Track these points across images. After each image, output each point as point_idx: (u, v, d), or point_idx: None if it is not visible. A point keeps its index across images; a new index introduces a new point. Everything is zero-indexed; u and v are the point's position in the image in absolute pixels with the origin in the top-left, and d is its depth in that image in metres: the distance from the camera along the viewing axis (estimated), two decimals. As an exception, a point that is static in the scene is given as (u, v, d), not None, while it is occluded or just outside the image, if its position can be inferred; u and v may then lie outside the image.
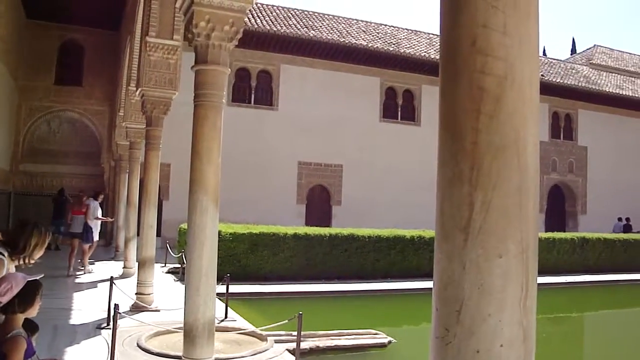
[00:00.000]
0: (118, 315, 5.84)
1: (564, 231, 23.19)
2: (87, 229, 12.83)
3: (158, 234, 11.43)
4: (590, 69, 32.46)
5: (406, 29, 27.38)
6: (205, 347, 5.23)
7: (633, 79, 33.38)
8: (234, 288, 11.21)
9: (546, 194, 26.39)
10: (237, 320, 8.70)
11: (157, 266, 11.57)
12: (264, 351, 6.75)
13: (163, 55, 9.31)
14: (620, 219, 26.42)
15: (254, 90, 21.50)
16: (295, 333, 6.51)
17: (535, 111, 1.66)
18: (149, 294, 9.29)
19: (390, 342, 8.75)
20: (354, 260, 14.27)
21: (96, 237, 13.28)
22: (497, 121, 1.58)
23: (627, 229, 25.63)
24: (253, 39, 20.51)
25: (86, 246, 12.89)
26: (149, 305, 9.04)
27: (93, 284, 11.45)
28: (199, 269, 5.27)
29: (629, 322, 13.27)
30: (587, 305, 14.91)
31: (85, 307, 9.06)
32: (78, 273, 12.58)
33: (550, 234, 17.82)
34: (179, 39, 9.28)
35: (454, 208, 1.60)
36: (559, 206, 27.51)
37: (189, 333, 5.21)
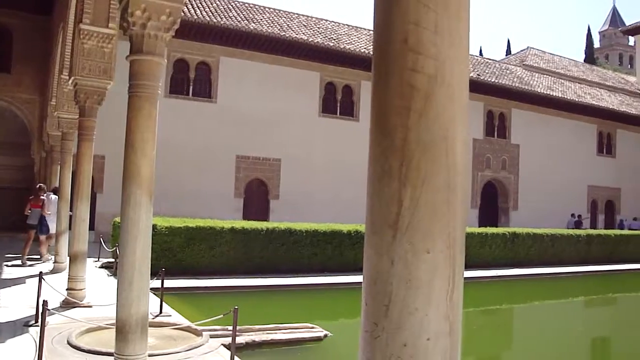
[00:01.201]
0: (47, 311, 5.65)
1: (497, 226, 23.90)
2: (43, 221, 13.48)
3: (91, 228, 11.15)
4: (524, 70, 33.52)
5: (347, 24, 27.54)
6: (138, 344, 5.12)
7: (562, 81, 34.67)
8: (170, 283, 11.05)
9: (480, 190, 27.13)
10: (172, 315, 8.58)
11: (90, 261, 11.28)
12: (199, 346, 6.67)
13: (98, 43, 9.03)
14: (573, 215, 28.14)
15: (192, 82, 21.18)
16: (231, 328, 6.46)
17: (464, 110, 1.69)
18: (81, 290, 9.03)
19: (326, 335, 8.81)
20: (291, 254, 14.30)
21: (53, 230, 13.42)
22: (427, 119, 1.60)
23: (578, 224, 27.66)
24: (192, 30, 20.20)
25: (42, 237, 13.64)
26: (81, 301, 8.80)
27: (21, 280, 11.06)
28: (132, 264, 5.16)
29: (554, 313, 13.80)
30: (517, 298, 15.41)
31: (12, 304, 8.72)
32: (32, 262, 13.23)
33: (483, 229, 18.34)
34: (115, 27, 9.02)
35: (383, 204, 1.62)
36: (492, 202, 28.32)
37: (121, 329, 5.09)
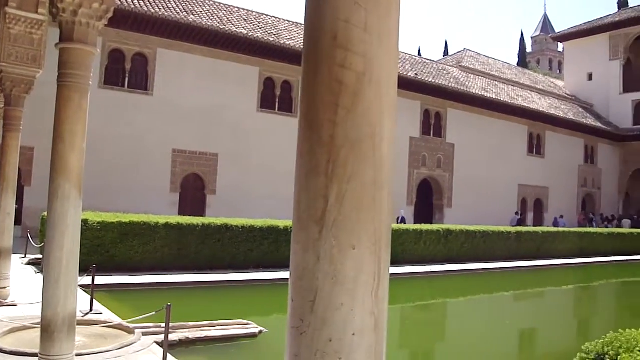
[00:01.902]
0: (-34, 310, 5.40)
1: (431, 223, 24.39)
2: None
3: (18, 223, 10.73)
4: (460, 71, 34.30)
5: (287, 20, 27.49)
6: (65, 343, 4.96)
7: (497, 83, 35.70)
8: (102, 279, 10.78)
9: (415, 187, 27.60)
10: (103, 313, 8.36)
11: (17, 257, 10.87)
12: (130, 344, 6.53)
13: (26, 29, 8.67)
14: (517, 213, 29.37)
15: (128, 73, 20.66)
16: (164, 325, 6.35)
17: (392, 107, 1.70)
18: (5, 288, 8.68)
19: (261, 332, 8.79)
20: (227, 250, 14.18)
21: None
22: (354, 115, 1.60)
23: (520, 222, 29.24)
24: (129, 20, 19.71)
25: None
26: (5, 299, 8.46)
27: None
28: (59, 260, 4.98)
29: (485, 307, 14.21)
30: (451, 293, 15.78)
31: None
32: None
33: (418, 226, 18.68)
34: (45, 13, 8.68)
35: (310, 200, 1.62)
36: (428, 199, 28.88)
37: (47, 328, 4.92)
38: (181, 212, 19.25)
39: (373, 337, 1.63)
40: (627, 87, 41.96)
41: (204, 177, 21.70)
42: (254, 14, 26.09)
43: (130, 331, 7.02)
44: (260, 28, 24.20)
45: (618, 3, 71.81)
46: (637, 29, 41.41)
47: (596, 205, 38.82)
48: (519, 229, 22.83)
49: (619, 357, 3.55)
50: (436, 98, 28.62)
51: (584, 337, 7.31)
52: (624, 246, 26.73)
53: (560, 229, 25.16)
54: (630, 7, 50.38)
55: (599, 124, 38.80)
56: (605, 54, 42.95)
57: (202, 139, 21.47)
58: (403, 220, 25.52)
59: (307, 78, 1.69)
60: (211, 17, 22.62)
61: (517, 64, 71.74)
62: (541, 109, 34.47)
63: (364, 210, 1.58)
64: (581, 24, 46.45)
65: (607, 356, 3.67)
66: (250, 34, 22.79)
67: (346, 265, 1.57)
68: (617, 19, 43.32)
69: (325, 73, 1.62)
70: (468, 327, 11.84)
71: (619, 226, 34.22)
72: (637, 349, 3.59)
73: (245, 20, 24.38)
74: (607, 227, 33.61)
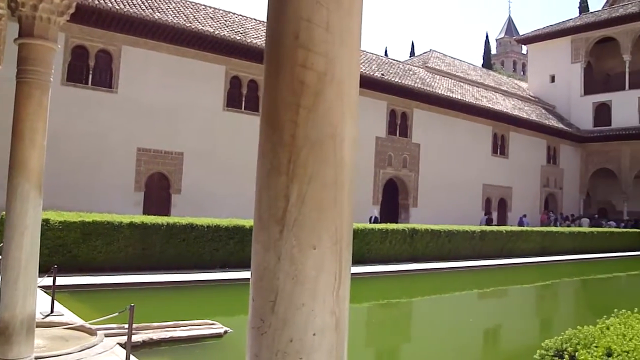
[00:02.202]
0: None
1: (397, 222, 24.56)
2: None
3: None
4: (426, 72, 34.61)
5: (254, 18, 27.37)
6: (23, 346, 4.86)
7: (462, 84, 36.13)
8: (64, 280, 10.58)
9: (381, 187, 27.76)
10: (64, 314, 8.21)
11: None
12: (92, 346, 6.42)
13: (-17, 24, 8.49)
14: (486, 213, 30.62)
15: (92, 70, 20.31)
16: (127, 326, 6.26)
17: (353, 107, 1.71)
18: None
19: (226, 332, 8.74)
20: (193, 249, 14.06)
21: None
22: (316, 115, 1.60)
23: (489, 222, 30.21)
24: (93, 16, 19.38)
25: None
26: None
27: None
28: (17, 261, 4.88)
29: (450, 306, 14.37)
30: (416, 291, 15.90)
31: None
32: None
33: (384, 225, 18.79)
34: (3, 7, 8.47)
35: (271, 199, 1.62)
36: (393, 199, 29.07)
37: (4, 331, 4.81)
38: (146, 212, 19.02)
39: (334, 336, 1.63)
40: (588, 90, 42.91)
41: (169, 176, 21.48)
42: (221, 12, 25.92)
43: (92, 333, 6.91)
44: (227, 26, 24.05)
45: (579, 8, 73.50)
46: (597, 33, 42.35)
47: (558, 205, 39.59)
48: (484, 228, 23.17)
49: (577, 353, 3.63)
50: (402, 98, 28.83)
51: (546, 334, 7.44)
52: (584, 245, 27.32)
53: (524, 228, 25.60)
54: (591, 12, 51.48)
55: (561, 125, 39.57)
56: (567, 57, 43.83)
57: (167, 138, 21.24)
58: (376, 220, 25.80)
59: (268, 78, 1.69)
60: (177, 15, 22.40)
61: (482, 66, 72.79)
62: (505, 110, 35.00)
63: (325, 210, 1.59)
64: (544, 27, 47.31)
65: (565, 352, 3.74)
66: (217, 32, 22.63)
67: (307, 265, 1.57)
68: (578, 23, 44.25)
69: (287, 73, 1.62)
70: (432, 326, 11.96)
71: (578, 225, 34.99)
72: (594, 345, 3.67)
73: (211, 18, 24.20)
74: (569, 226, 34.37)
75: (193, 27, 21.85)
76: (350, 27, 1.72)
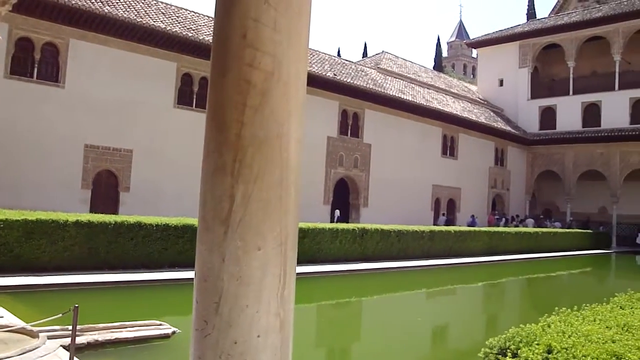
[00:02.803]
0: None
1: (348, 222, 24.70)
2: None
3: None
4: (378, 73, 34.90)
5: (207, 15, 27.05)
6: (-42, 348, 4.68)
7: (413, 85, 36.58)
8: (5, 280, 10.27)
9: (332, 187, 27.86)
10: (4, 316, 7.95)
11: None
12: (34, 349, 6.23)
13: None
14: (444, 214, 32.59)
15: (37, 63, 19.71)
16: (71, 327, 6.10)
17: (300, 108, 1.71)
18: None
19: (174, 332, 8.61)
20: (141, 249, 13.81)
21: None
22: (262, 115, 1.60)
23: (449, 222, 31.35)
24: (39, 7, 18.79)
25: None
26: None
27: None
28: (-46, 260, 4.70)
29: (399, 305, 14.53)
30: (366, 291, 16.02)
31: None
32: None
33: (334, 225, 18.87)
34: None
35: (215, 200, 1.60)
36: (344, 199, 29.22)
37: (-61, 332, 4.63)
38: (93, 210, 18.59)
39: (278, 338, 1.63)
40: (534, 94, 44.08)
41: (117, 174, 21.04)
42: (173, 7, 25.53)
43: (34, 335, 6.70)
44: (179, 22, 23.72)
45: (527, 14, 75.52)
46: (544, 40, 43.53)
47: (505, 206, 40.52)
48: (432, 228, 23.49)
49: (519, 350, 3.72)
50: (354, 99, 28.99)
51: (492, 332, 7.61)
52: (529, 245, 28.08)
53: (471, 229, 26.09)
54: (538, 19, 52.95)
55: (508, 128, 40.49)
56: (515, 62, 44.91)
57: (116, 134, 20.80)
58: (339, 220, 26.00)
59: (215, 77, 1.67)
60: (128, 9, 21.96)
61: (433, 68, 73.93)
62: (455, 112, 35.60)
63: (270, 210, 1.58)
64: (494, 32, 48.38)
65: (508, 350, 3.83)
66: (169, 28, 22.29)
67: (252, 266, 1.56)
68: (526, 29, 45.40)
69: (234, 72, 1.61)
70: (380, 325, 12.07)
71: (524, 225, 35.96)
72: (535, 342, 3.77)
73: (163, 13, 23.82)
74: (516, 226, 35.28)
75: (144, 22, 21.47)
76: (299, 28, 1.71)
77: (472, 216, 34.34)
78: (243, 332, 1.59)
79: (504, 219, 37.44)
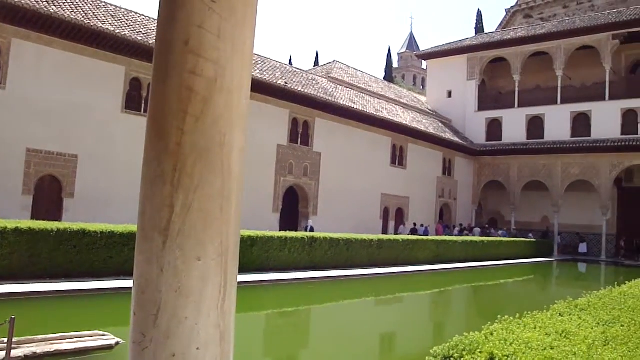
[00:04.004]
0: None
1: (297, 230, 24.67)
2: None
3: None
4: (329, 82, 35.09)
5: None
6: None
7: (363, 95, 36.92)
8: (-63, 289, 9.82)
9: (282, 195, 27.80)
10: None
11: None
12: (-35, 362, 6.00)
13: None
14: (415, 224, 33.76)
15: (-23, 64, 19.05)
16: (7, 340, 5.88)
17: (243, 117, 1.69)
18: None
19: (118, 343, 8.40)
20: (85, 257, 13.45)
21: None
22: (204, 124, 1.57)
23: (414, 232, 32.05)
24: (-21, 6, 18.18)
25: None
26: None
27: None
28: None
29: (346, 314, 14.57)
30: (313, 299, 16.01)
31: None
32: None
33: (283, 233, 18.79)
34: None
35: (154, 209, 1.56)
36: (293, 207, 29.19)
37: None
38: (34, 217, 18.00)
39: (218, 350, 1.60)
40: (482, 106, 45.13)
41: (61, 180, 20.46)
42: (123, 10, 25.08)
43: (-33, 347, 6.44)
44: (129, 26, 23.30)
45: (475, 28, 77.47)
46: (491, 54, 44.68)
47: (452, 215, 41.23)
48: (381, 237, 23.66)
49: (462, 359, 3.77)
50: (305, 107, 29.05)
51: (439, 340, 7.69)
52: (476, 253, 28.62)
53: (419, 238, 26.41)
54: (486, 33, 54.37)
55: (456, 139, 41.27)
56: (463, 74, 45.91)
57: (60, 139, 20.24)
58: (312, 229, 26.01)
59: (156, 84, 1.64)
60: (75, 10, 21.45)
61: (384, 78, 74.84)
62: (404, 122, 36.06)
63: (211, 220, 1.55)
64: (443, 45, 49.37)
65: (452, 358, 3.87)
66: (117, 31, 21.86)
67: (191, 277, 1.53)
68: (474, 42, 46.51)
69: (176, 79, 1.57)
70: (327, 334, 12.07)
71: (472, 234, 36.74)
72: (478, 350, 3.83)
73: (112, 16, 23.36)
74: (467, 235, 36.02)
75: (92, 24, 20.99)
76: (244, 36, 1.69)
77: (426, 227, 35.02)
78: (182, 345, 1.55)
79: (458, 229, 38.26)
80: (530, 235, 39.50)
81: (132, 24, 23.77)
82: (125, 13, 24.88)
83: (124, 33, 21.94)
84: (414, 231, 33.26)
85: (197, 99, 1.58)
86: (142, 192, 1.62)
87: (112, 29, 21.72)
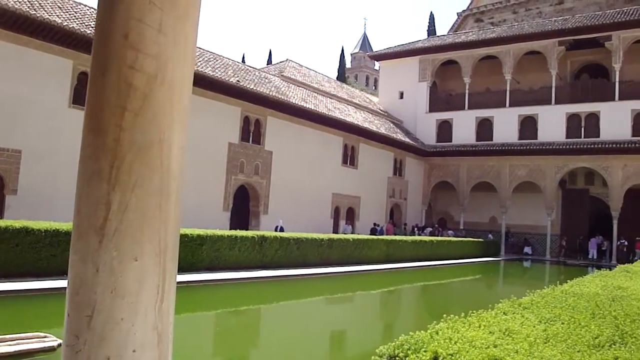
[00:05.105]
0: None
1: (247, 229, 24.53)
2: None
3: None
4: (282, 81, 35.00)
5: (105, 14, 26.12)
6: None
7: (316, 94, 36.97)
8: None
9: (232, 193, 27.60)
10: None
11: None
12: None
13: None
14: (375, 224, 34.57)
15: None
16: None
17: (184, 113, 1.65)
18: None
19: (60, 344, 8.18)
20: (28, 255, 13.04)
21: None
22: (143, 120, 1.53)
23: (373, 231, 32.85)
24: None
25: None
26: None
27: None
28: None
29: (296, 313, 14.56)
30: (263, 299, 15.94)
31: None
32: None
33: (233, 232, 18.65)
34: None
35: (90, 207, 1.51)
36: (244, 206, 29.01)
37: None
38: (-26, 214, 17.40)
39: (156, 352, 1.56)
40: (432, 108, 45.79)
41: (3, 175, 19.80)
42: (71, 2, 24.42)
43: None
44: (77, 18, 22.69)
45: (428, 31, 78.75)
46: (442, 56, 45.40)
47: (402, 215, 41.70)
48: (332, 236, 23.73)
49: (407, 358, 3.81)
50: (257, 105, 28.89)
51: (387, 338, 7.75)
52: (425, 252, 29.02)
53: (369, 237, 26.61)
54: (437, 36, 55.29)
55: (407, 140, 41.74)
56: (415, 76, 46.49)
57: (3, 133, 19.57)
58: (282, 229, 25.85)
59: (94, 78, 1.59)
60: (20, 0, 20.79)
61: (337, 78, 75.17)
62: (356, 122, 36.27)
63: (149, 219, 1.51)
64: (396, 46, 49.90)
65: (397, 357, 3.91)
66: (65, 23, 21.28)
67: (128, 277, 1.48)
68: (426, 45, 47.16)
69: (114, 74, 1.53)
70: (276, 333, 12.04)
71: (423, 234, 37.34)
72: (423, 349, 3.87)
73: (60, 8, 22.71)
74: (419, 234, 36.60)
75: (38, 15, 20.37)
76: (185, 31, 1.66)
77: (382, 227, 35.53)
78: (117, 347, 1.51)
79: (415, 228, 39.22)
80: (490, 235, 40.32)
81: (80, 16, 23.16)
82: (74, 5, 24.23)
83: (72, 26, 21.36)
84: (373, 231, 33.59)
85: (137, 94, 1.53)
86: (78, 190, 1.56)
87: (60, 21, 21.12)
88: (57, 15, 21.42)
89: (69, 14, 22.46)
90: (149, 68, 1.55)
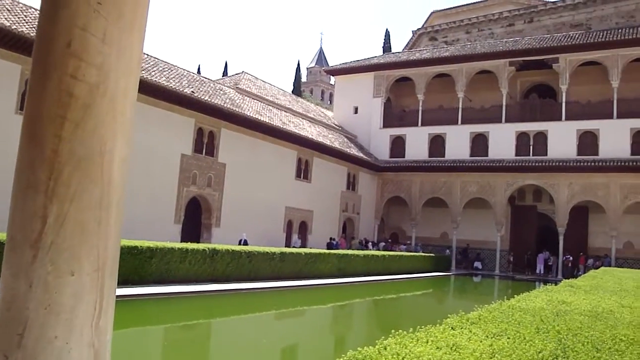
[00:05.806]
0: None
1: (199, 242, 24.22)
2: None
3: None
4: (237, 93, 34.86)
5: (57, 20, 25.56)
6: None
7: (271, 107, 36.95)
8: None
9: (184, 205, 27.23)
10: None
11: None
12: None
13: None
14: (332, 239, 35.23)
15: None
16: None
17: (127, 125, 1.61)
18: None
19: None
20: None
21: None
22: (83, 131, 1.48)
23: (330, 246, 33.38)
24: None
25: None
26: None
27: None
28: None
29: (246, 327, 14.41)
30: (213, 313, 15.73)
31: None
32: None
33: (184, 245, 18.37)
34: None
35: (25, 220, 1.45)
36: (196, 218, 28.66)
37: None
38: None
39: (92, 371, 1.51)
40: (386, 123, 46.30)
41: (-56, 184, 19.06)
42: (21, 5, 23.82)
43: None
44: (27, 22, 22.13)
45: (383, 47, 79.81)
46: (397, 73, 46.06)
47: (355, 229, 41.88)
48: (284, 250, 23.64)
49: (355, 374, 3.79)
50: (211, 117, 28.65)
51: (337, 353, 7.75)
52: (377, 267, 29.17)
53: (321, 251, 26.59)
54: (393, 53, 56.04)
55: (361, 154, 42.05)
56: (369, 91, 46.97)
57: (-56, 140, 18.89)
58: (245, 243, 25.53)
59: (34, 85, 1.54)
60: (-34, 5, 20.18)
61: (292, 92, 75.42)
62: (310, 136, 36.36)
63: (87, 233, 1.46)
64: (351, 62, 50.39)
65: (345, 374, 3.89)
66: (14, 27, 20.73)
67: (63, 293, 1.43)
68: (381, 61, 47.77)
69: (55, 82, 1.48)
70: (225, 349, 11.89)
71: (377, 249, 37.64)
72: (370, 366, 3.86)
73: (8, 10, 22.11)
74: (370, 249, 36.82)
75: (-16, 19, 19.81)
76: (131, 41, 1.62)
77: (337, 241, 35.74)
78: (50, 366, 1.45)
79: (381, 243, 39.63)
80: (447, 251, 40.87)
81: (30, 20, 22.60)
82: (24, 8, 23.64)
83: (21, 29, 20.83)
84: (330, 245, 33.69)
85: (78, 104, 1.49)
86: (13, 201, 1.50)
87: (8, 24, 20.56)
88: (6, 19, 20.87)
89: (18, 17, 21.91)
90: (92, 78, 1.51)
